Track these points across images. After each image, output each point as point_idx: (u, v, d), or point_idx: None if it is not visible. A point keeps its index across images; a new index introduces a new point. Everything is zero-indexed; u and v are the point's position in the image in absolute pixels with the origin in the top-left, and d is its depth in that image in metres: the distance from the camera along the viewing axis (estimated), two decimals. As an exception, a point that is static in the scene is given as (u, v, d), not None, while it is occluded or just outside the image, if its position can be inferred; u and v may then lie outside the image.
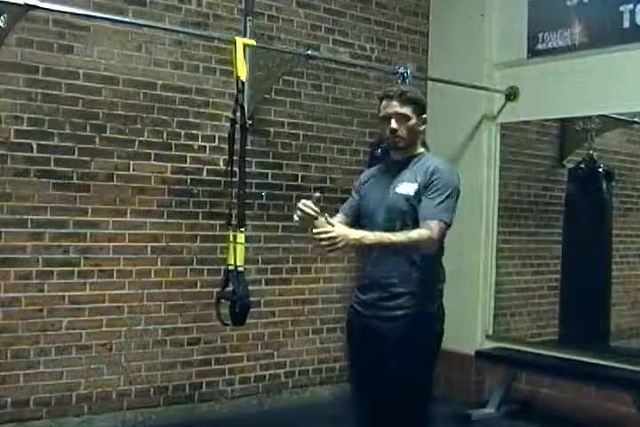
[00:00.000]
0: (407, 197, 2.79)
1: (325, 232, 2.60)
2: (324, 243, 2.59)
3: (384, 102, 2.89)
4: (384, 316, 2.81)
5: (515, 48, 5.06)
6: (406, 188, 2.81)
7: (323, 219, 2.65)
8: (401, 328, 2.77)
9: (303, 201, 2.69)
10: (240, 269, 3.68)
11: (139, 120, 4.32)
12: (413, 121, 2.85)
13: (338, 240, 2.59)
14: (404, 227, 2.77)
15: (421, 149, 2.95)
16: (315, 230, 2.62)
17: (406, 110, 2.83)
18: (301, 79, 4.97)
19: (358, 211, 2.99)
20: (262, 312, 4.74)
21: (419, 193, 2.78)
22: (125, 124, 4.27)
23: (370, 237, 2.67)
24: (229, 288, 3.69)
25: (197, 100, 4.53)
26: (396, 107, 2.84)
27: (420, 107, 2.88)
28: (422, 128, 2.92)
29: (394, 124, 2.83)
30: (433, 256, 2.82)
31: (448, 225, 2.75)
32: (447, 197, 2.76)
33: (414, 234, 2.69)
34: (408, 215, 2.79)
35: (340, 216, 3.00)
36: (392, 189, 2.85)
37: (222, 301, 3.76)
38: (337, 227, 2.65)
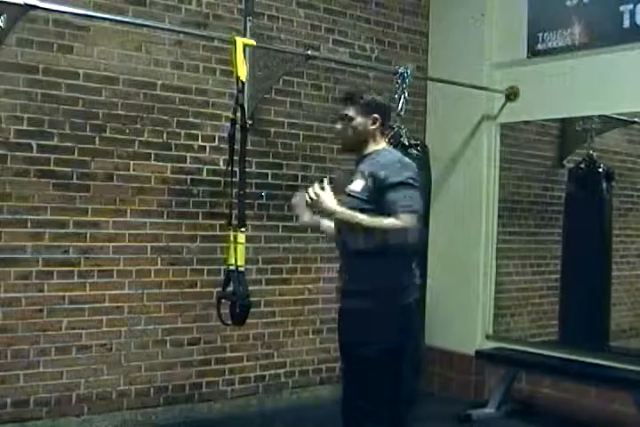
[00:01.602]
0: (356, 195, 2.88)
1: (316, 193, 2.84)
2: (307, 198, 2.87)
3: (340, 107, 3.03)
4: None
5: (515, 48, 5.06)
6: (356, 185, 2.90)
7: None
8: None
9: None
10: (241, 269, 3.68)
11: (139, 120, 4.32)
12: (358, 120, 2.93)
13: (317, 201, 2.84)
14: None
15: (377, 147, 2.98)
16: (311, 189, 2.89)
17: (349, 111, 2.94)
18: (301, 79, 4.97)
19: None
20: (262, 312, 4.74)
21: (367, 189, 2.85)
22: (125, 124, 4.27)
23: (339, 212, 2.83)
24: (230, 288, 3.68)
25: (197, 100, 4.53)
26: (342, 109, 2.97)
27: (364, 106, 2.93)
28: (374, 127, 2.95)
29: (338, 125, 2.97)
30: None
31: (417, 215, 2.80)
32: (407, 187, 2.80)
33: (385, 221, 2.75)
34: (360, 212, 2.84)
35: None
36: (348, 187, 2.94)
37: (223, 301, 3.75)
38: (325, 193, 2.85)
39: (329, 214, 2.90)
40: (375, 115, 2.95)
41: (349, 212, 2.81)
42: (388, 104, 3.08)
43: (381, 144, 3.01)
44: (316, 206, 2.90)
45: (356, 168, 2.98)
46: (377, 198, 2.81)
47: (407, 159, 3.00)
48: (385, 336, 2.86)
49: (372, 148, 2.97)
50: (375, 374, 2.85)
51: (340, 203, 2.90)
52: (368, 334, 2.84)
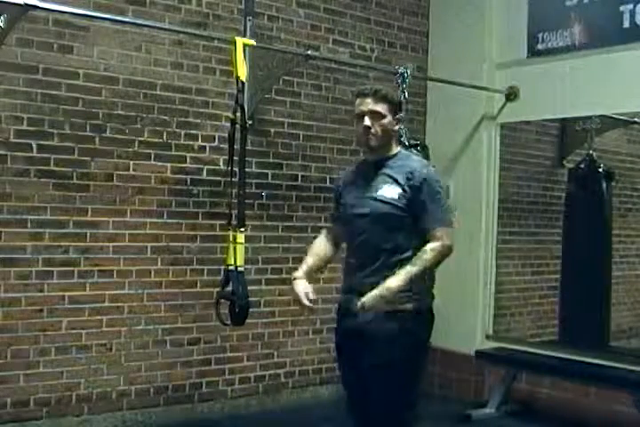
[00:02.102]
0: (391, 201, 2.78)
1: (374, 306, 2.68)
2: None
3: (358, 100, 2.85)
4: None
5: (515, 48, 5.06)
6: (389, 191, 2.79)
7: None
8: None
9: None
10: (240, 269, 3.68)
11: (139, 120, 4.32)
12: (388, 119, 2.82)
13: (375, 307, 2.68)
14: (390, 231, 2.77)
15: (397, 149, 2.92)
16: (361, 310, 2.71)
17: (380, 108, 2.80)
18: (301, 79, 4.97)
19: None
20: (262, 312, 4.75)
21: (404, 196, 2.77)
22: (125, 124, 4.27)
23: (400, 284, 2.69)
24: (229, 288, 3.68)
25: (197, 100, 4.53)
26: (369, 104, 2.80)
27: (394, 106, 2.85)
28: (397, 128, 2.89)
29: (367, 121, 2.80)
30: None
31: (451, 226, 2.80)
32: (442, 199, 2.79)
33: (428, 254, 2.72)
34: (393, 218, 2.77)
35: (334, 229, 3.08)
36: (373, 192, 2.83)
37: (222, 301, 3.75)
38: (366, 301, 2.68)
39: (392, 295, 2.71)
40: (399, 115, 2.88)
41: (401, 278, 2.70)
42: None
43: (398, 146, 2.96)
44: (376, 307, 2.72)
45: (374, 170, 2.86)
46: (412, 206, 2.77)
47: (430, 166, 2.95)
48: (428, 337, 2.89)
49: (393, 149, 2.89)
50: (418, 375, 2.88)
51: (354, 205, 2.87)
52: (420, 338, 2.83)
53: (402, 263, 2.76)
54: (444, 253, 2.77)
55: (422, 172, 2.80)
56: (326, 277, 4.98)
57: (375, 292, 2.67)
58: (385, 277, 2.74)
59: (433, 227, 2.76)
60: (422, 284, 2.83)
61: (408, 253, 2.78)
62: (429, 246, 2.74)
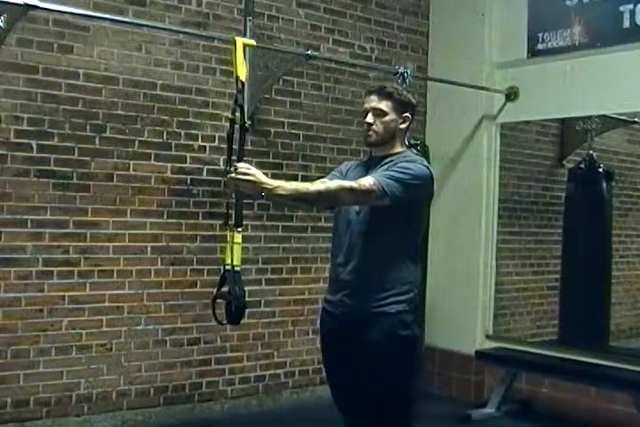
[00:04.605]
0: None
1: (245, 173, 2.58)
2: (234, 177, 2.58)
3: (365, 97, 2.88)
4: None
5: (515, 48, 5.06)
6: None
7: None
8: None
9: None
10: (237, 268, 3.67)
11: (139, 120, 4.32)
12: (390, 117, 2.81)
13: (248, 181, 2.58)
14: (378, 228, 2.73)
15: (402, 149, 2.89)
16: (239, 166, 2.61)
17: (383, 105, 2.80)
18: (301, 79, 4.97)
19: None
20: (262, 312, 4.75)
21: None
22: (125, 124, 4.28)
23: (286, 187, 2.63)
24: (225, 288, 3.67)
25: (197, 100, 4.54)
26: (373, 101, 2.82)
27: (401, 104, 2.83)
28: (403, 126, 2.86)
29: (369, 118, 2.81)
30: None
31: (384, 193, 2.61)
32: (401, 174, 2.66)
33: (334, 184, 2.65)
34: (382, 214, 2.72)
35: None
36: None
37: (218, 300, 3.74)
38: (256, 171, 2.62)
39: (268, 192, 2.63)
40: (407, 114, 2.86)
41: (294, 186, 2.64)
42: (417, 104, 2.98)
43: (404, 146, 2.93)
44: (244, 187, 2.62)
45: (374, 166, 2.82)
46: (402, 209, 2.70)
47: (428, 172, 2.83)
48: (417, 336, 2.83)
49: (397, 148, 2.87)
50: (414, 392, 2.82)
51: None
52: (409, 338, 2.77)
53: (389, 262, 2.73)
54: (345, 194, 2.62)
55: (406, 160, 2.77)
56: (326, 277, 4.97)
57: (268, 180, 2.62)
58: (369, 275, 2.72)
59: (366, 178, 2.66)
60: (405, 283, 2.76)
61: (396, 252, 2.74)
62: (343, 181, 2.68)
